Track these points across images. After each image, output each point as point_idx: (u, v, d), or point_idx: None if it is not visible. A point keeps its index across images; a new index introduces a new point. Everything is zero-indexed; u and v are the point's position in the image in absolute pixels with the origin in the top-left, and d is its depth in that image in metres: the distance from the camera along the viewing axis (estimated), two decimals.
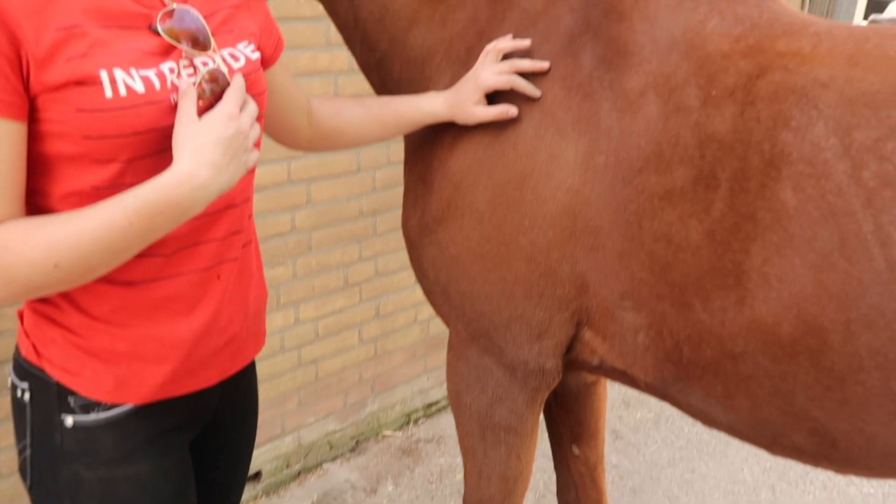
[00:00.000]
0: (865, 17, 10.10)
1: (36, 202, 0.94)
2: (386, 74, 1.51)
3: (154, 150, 0.94)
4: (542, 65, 1.30)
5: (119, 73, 0.89)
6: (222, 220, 1.07)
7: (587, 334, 1.35)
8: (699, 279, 1.15)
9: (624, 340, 1.29)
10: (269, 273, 2.37)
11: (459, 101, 1.35)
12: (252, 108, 1.00)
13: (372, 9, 1.45)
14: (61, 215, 0.90)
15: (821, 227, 1.05)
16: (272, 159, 2.27)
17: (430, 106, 1.39)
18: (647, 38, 1.24)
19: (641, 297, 1.22)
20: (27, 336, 1.06)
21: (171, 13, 0.95)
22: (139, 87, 0.90)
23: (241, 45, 1.05)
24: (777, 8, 1.27)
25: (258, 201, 2.21)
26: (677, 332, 1.20)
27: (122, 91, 0.89)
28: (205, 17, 0.99)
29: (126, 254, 0.92)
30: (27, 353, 1.05)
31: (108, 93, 0.88)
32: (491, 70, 1.32)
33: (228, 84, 0.98)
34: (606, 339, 1.32)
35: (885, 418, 1.07)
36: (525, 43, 1.32)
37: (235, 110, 0.96)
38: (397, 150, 2.65)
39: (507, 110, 1.31)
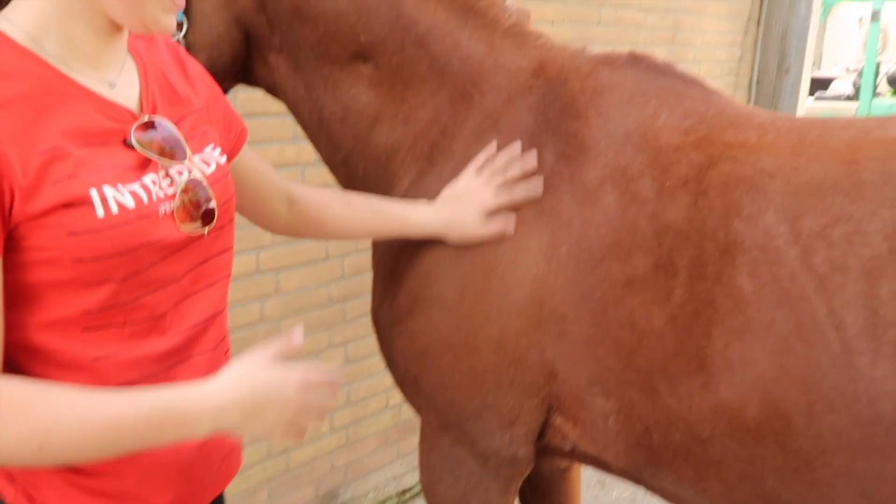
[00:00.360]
0: (811, 94, 10.58)
1: (8, 336, 0.87)
2: (351, 171, 1.55)
3: (147, 265, 0.92)
4: (531, 165, 1.32)
5: (109, 191, 0.87)
6: (212, 329, 1.05)
7: (558, 420, 1.35)
8: (664, 364, 1.17)
9: (595, 426, 1.30)
10: None
11: (456, 221, 1.34)
12: (323, 396, 0.98)
13: (335, 109, 1.49)
14: (63, 393, 0.83)
15: (777, 311, 1.09)
16: (240, 249, 2.28)
17: (421, 219, 1.36)
18: (602, 133, 1.30)
19: (609, 383, 1.24)
20: (12, 481, 0.95)
21: (144, 126, 0.96)
22: (129, 203, 0.89)
23: (208, 149, 1.06)
24: (722, 101, 1.35)
25: None
26: (646, 417, 1.22)
27: (114, 208, 0.87)
28: (175, 125, 1.00)
29: (113, 453, 0.86)
30: (14, 501, 0.94)
31: (100, 212, 0.86)
32: (490, 189, 1.32)
33: (206, 193, 0.99)
34: (577, 425, 1.33)
35: (853, 499, 1.08)
36: (518, 153, 1.34)
37: (314, 381, 0.95)
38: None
39: (505, 226, 1.31)
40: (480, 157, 1.37)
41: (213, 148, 1.07)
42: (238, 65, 1.51)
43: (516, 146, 1.35)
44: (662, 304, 1.17)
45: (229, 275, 1.10)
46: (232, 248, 1.11)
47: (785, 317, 1.08)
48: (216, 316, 1.07)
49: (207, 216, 1.01)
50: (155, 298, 0.95)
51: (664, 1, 4.01)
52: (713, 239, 1.15)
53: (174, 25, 0.97)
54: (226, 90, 1.56)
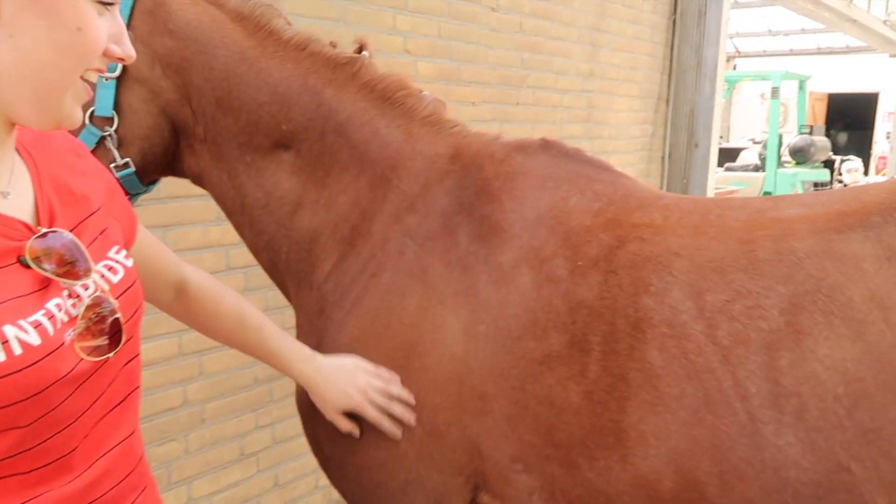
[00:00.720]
0: (721, 165, 11.15)
1: None
2: (275, 255, 1.56)
3: (57, 403, 0.82)
4: (409, 399, 1.33)
5: (10, 331, 0.76)
6: (127, 453, 0.96)
7: (485, 498, 1.36)
8: (583, 439, 1.20)
9: (520, 503, 1.31)
10: (159, 451, 2.27)
11: (328, 389, 1.35)
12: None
13: (258, 196, 1.52)
14: None
15: (686, 384, 1.14)
16: (162, 333, 2.24)
17: (297, 369, 1.38)
18: (516, 215, 1.35)
19: (531, 459, 1.26)
20: None
21: (41, 237, 0.85)
22: (34, 339, 0.78)
23: (112, 253, 0.96)
24: (630, 184, 1.43)
25: (147, 377, 2.15)
26: (568, 491, 1.24)
27: (17, 349, 0.76)
28: (75, 233, 0.89)
29: None
30: None
31: (1, 356, 0.75)
32: (371, 389, 1.33)
33: (112, 308, 0.90)
34: (504, 503, 1.33)
35: None
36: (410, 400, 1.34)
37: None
38: (292, 316, 2.65)
39: (353, 430, 1.36)
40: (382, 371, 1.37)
41: (118, 251, 0.97)
42: (169, 156, 1.52)
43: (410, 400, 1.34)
44: (578, 379, 1.21)
45: (139, 385, 1.00)
46: (139, 354, 1.01)
47: (694, 389, 1.13)
48: (129, 437, 0.97)
49: (115, 335, 0.91)
50: (64, 437, 0.85)
51: (579, 83, 4.22)
52: (624, 315, 1.20)
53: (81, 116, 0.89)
54: (156, 181, 1.57)
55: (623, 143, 4.73)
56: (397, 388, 1.33)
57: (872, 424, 1.03)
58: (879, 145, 17.08)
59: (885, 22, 11.08)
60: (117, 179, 1.34)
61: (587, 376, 1.20)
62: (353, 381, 1.34)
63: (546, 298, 1.27)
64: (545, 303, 1.26)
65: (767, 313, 1.13)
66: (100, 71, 0.88)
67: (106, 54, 0.86)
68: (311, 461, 2.87)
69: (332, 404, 1.36)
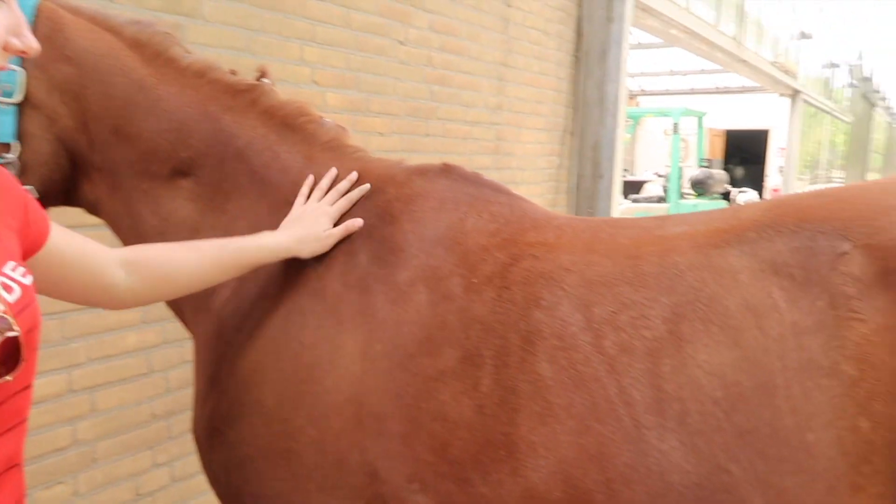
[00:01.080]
0: (627, 196, 11.57)
1: None
2: None
3: None
4: (354, 177, 1.47)
5: None
6: (5, 487, 0.90)
7: None
8: (476, 454, 1.21)
9: None
10: (45, 495, 2.15)
11: (307, 234, 1.38)
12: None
13: (154, 223, 1.49)
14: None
15: (574, 394, 1.16)
16: (50, 370, 2.13)
17: (274, 240, 1.37)
18: (414, 236, 1.37)
19: (427, 478, 1.26)
20: None
21: None
22: None
23: (8, 269, 0.90)
24: (525, 206, 1.47)
25: (32, 416, 2.04)
26: None
27: None
28: None
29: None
30: None
31: None
32: (326, 202, 1.42)
33: (9, 325, 0.84)
34: None
35: None
36: (335, 174, 1.47)
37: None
38: (191, 348, 2.59)
39: (354, 222, 1.41)
40: (305, 188, 1.46)
41: (14, 268, 0.92)
42: (68, 182, 1.48)
43: (332, 171, 1.47)
44: (471, 394, 1.22)
45: (26, 419, 0.94)
46: (31, 385, 0.96)
47: (581, 399, 1.16)
48: (10, 470, 0.91)
49: (11, 354, 0.86)
50: None
51: (487, 115, 4.32)
52: (515, 329, 1.23)
53: None
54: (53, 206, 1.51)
55: (531, 173, 4.85)
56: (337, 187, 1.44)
57: (748, 426, 1.08)
58: (772, 178, 18.08)
59: (772, 63, 11.83)
60: None
61: (480, 390, 1.22)
62: (316, 209, 1.41)
63: (441, 316, 1.28)
64: (440, 320, 1.28)
65: (651, 323, 1.17)
66: (1, 68, 0.85)
67: (6, 48, 0.83)
68: (213, 499, 2.77)
69: (324, 234, 1.40)
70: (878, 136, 30.73)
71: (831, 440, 1.04)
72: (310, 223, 1.40)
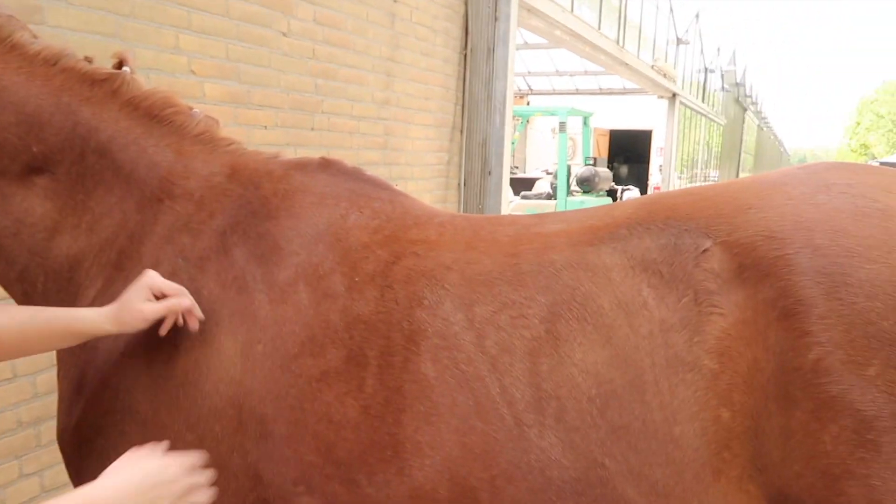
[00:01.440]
0: (517, 193, 11.80)
1: None
2: (29, 287, 1.42)
3: None
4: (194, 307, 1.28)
5: None
6: None
7: None
8: (362, 455, 1.20)
9: None
10: None
11: (124, 307, 1.23)
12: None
13: (6, 224, 1.38)
14: None
15: (458, 393, 1.17)
16: None
17: (90, 315, 1.24)
18: (294, 233, 1.34)
19: (313, 480, 1.23)
20: None
21: None
22: None
23: None
24: (407, 202, 1.46)
25: None
26: None
27: None
28: None
29: None
30: None
31: None
32: (147, 277, 1.25)
33: None
34: None
35: None
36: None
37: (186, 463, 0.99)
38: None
39: (178, 302, 1.24)
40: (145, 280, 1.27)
41: None
42: None
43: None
44: (356, 394, 1.20)
45: None
46: None
47: (465, 398, 1.17)
48: None
49: None
50: None
51: (374, 110, 4.29)
52: (399, 329, 1.22)
53: None
54: None
55: (419, 169, 4.86)
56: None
57: (621, 422, 1.12)
58: (654, 176, 18.91)
59: (652, 67, 12.35)
60: None
61: (364, 391, 1.20)
62: (136, 283, 1.24)
63: (324, 315, 1.26)
64: (323, 319, 1.25)
65: (530, 322, 1.19)
66: None
67: None
68: None
69: (145, 306, 1.22)
70: (749, 138, 32.74)
71: (696, 431, 1.09)
72: (127, 297, 1.24)
